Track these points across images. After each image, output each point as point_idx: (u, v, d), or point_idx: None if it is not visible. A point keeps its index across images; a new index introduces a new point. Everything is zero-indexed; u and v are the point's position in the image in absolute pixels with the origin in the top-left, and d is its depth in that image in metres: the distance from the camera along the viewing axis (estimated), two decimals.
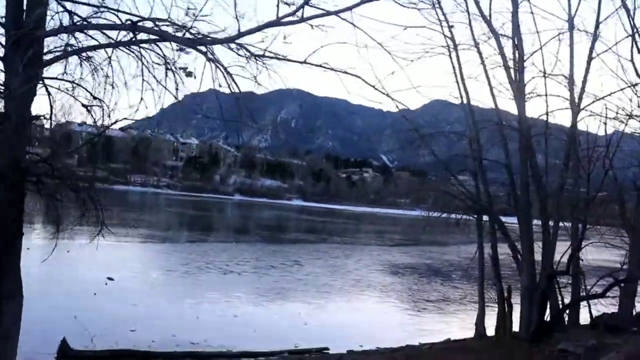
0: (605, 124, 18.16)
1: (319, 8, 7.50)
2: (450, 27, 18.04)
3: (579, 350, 13.85)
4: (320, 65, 8.44)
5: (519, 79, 17.00)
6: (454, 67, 18.35)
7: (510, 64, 17.13)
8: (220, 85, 7.92)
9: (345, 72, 8.57)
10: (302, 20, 7.50)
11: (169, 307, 20.82)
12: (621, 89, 17.27)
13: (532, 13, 17.36)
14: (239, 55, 8.44)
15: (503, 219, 18.60)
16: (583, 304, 19.17)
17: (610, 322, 18.61)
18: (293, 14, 7.44)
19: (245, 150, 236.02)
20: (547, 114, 17.45)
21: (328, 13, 7.48)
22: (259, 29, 7.57)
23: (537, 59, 17.44)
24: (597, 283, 17.79)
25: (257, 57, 8.43)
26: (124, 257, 32.52)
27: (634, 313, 19.53)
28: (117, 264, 28.58)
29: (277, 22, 7.48)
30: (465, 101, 18.68)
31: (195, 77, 8.04)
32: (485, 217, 18.83)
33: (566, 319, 18.73)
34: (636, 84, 17.26)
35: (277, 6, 7.34)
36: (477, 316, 18.43)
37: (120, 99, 9.33)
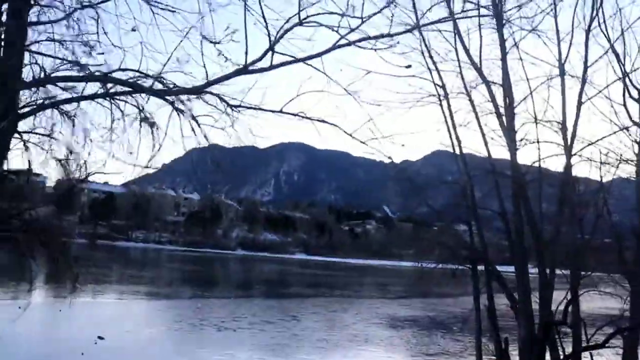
0: (600, 168, 17.93)
1: (286, 55, 7.33)
2: (440, 75, 18.05)
3: None
4: (297, 114, 8.25)
5: (510, 125, 16.84)
6: (445, 116, 18.22)
7: (502, 110, 17.00)
8: (184, 139, 7.72)
9: (323, 121, 8.35)
10: (271, 67, 7.33)
11: None
12: (613, 132, 17.10)
13: (521, 59, 17.33)
14: (216, 107, 8.29)
15: (501, 268, 18.16)
16: (586, 355, 18.56)
17: None
18: (259, 60, 7.28)
19: (247, 204, 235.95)
20: (539, 159, 17.22)
21: (296, 60, 7.31)
22: (227, 77, 7.41)
23: (529, 105, 17.25)
24: (599, 332, 17.24)
25: (233, 107, 8.28)
26: (118, 315, 31.98)
27: None
28: (111, 322, 28.06)
29: (244, 70, 7.32)
30: (457, 150, 18.49)
31: (158, 128, 7.85)
32: (481, 267, 18.41)
33: None
34: (628, 127, 17.09)
35: (246, 54, 7.19)
36: None
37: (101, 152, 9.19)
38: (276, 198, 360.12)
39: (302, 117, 8.02)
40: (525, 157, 18.06)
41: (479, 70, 17.45)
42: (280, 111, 7.94)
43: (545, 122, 16.97)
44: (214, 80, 7.45)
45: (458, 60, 17.80)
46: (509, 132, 16.72)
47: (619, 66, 17.19)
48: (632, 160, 18.01)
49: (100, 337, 24.34)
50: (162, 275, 67.22)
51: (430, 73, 17.90)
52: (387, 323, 36.32)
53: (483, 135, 17.77)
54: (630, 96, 17.83)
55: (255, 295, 49.92)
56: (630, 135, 18.00)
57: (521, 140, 16.85)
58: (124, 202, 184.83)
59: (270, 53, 7.22)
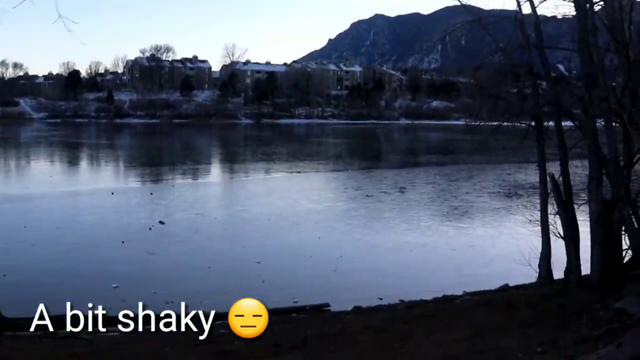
0: None
1: None
2: None
3: None
4: None
5: None
6: None
7: None
8: None
9: None
10: None
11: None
12: None
13: None
14: None
15: None
16: None
17: None
18: None
19: (411, 73, 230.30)
20: None
21: None
22: None
23: None
24: None
25: None
26: (212, 195, 31.39)
27: None
28: (195, 204, 27.41)
29: None
30: None
31: None
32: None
33: None
34: None
35: None
36: (541, 256, 13.77)
37: None
38: (443, 64, 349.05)
39: None
40: None
41: None
42: None
43: None
44: None
45: None
46: None
47: None
48: None
49: (161, 222, 23.30)
50: (286, 150, 65.98)
51: None
52: (505, 192, 31.90)
53: None
54: None
55: (378, 167, 46.97)
56: None
57: None
58: (286, 80, 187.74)
59: None
